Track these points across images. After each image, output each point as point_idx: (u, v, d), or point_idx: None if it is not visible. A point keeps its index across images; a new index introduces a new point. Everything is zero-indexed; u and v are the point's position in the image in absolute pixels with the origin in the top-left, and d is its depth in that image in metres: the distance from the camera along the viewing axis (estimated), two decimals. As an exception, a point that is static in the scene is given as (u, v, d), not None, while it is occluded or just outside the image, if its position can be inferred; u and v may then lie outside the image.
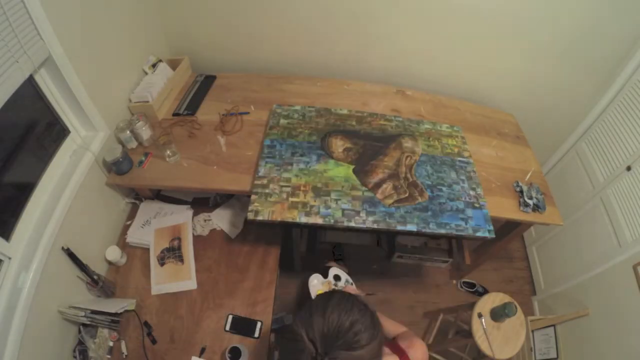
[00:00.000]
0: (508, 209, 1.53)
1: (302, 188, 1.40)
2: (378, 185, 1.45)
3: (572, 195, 2.04)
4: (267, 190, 1.38)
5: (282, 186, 1.39)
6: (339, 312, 0.72)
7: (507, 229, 1.75)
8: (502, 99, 2.02)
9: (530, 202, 1.52)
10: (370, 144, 1.60)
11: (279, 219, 1.30)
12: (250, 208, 1.32)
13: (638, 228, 1.57)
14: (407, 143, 1.63)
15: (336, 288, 1.23)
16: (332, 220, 1.31)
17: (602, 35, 1.64)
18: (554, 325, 1.87)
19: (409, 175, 1.49)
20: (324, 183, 1.42)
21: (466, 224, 1.38)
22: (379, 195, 1.41)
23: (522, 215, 1.52)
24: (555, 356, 1.81)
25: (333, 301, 0.75)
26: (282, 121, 1.64)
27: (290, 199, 1.36)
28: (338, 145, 1.57)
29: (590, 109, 1.96)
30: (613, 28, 1.61)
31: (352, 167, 1.50)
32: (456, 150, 1.64)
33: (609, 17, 1.57)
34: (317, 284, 1.28)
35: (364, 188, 1.43)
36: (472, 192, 1.48)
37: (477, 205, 1.44)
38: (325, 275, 1.31)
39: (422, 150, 1.61)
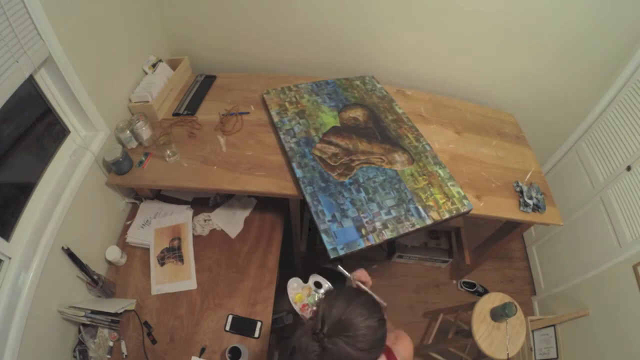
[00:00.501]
0: (508, 209, 1.53)
1: (297, 104, 1.71)
2: (330, 143, 1.56)
3: (572, 195, 2.04)
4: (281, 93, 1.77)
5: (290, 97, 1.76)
6: (361, 311, 0.75)
7: (507, 229, 1.75)
8: (502, 99, 2.01)
9: (530, 202, 1.52)
10: (374, 131, 1.63)
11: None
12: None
13: (638, 228, 1.57)
14: (399, 156, 1.52)
15: (318, 295, 1.15)
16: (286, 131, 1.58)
17: (602, 35, 1.64)
18: (554, 325, 1.87)
19: (355, 163, 1.48)
20: (312, 116, 1.66)
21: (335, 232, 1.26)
22: (317, 146, 1.53)
23: (522, 215, 1.52)
24: (555, 356, 1.81)
25: (362, 299, 0.79)
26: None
27: (287, 104, 1.72)
28: (353, 111, 1.71)
29: (590, 109, 1.96)
30: (613, 28, 1.61)
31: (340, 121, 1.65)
32: (430, 202, 1.38)
33: (609, 17, 1.57)
34: (296, 287, 1.16)
35: (320, 135, 1.57)
36: (375, 223, 1.30)
37: (364, 231, 1.28)
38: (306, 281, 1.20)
39: (400, 171, 1.47)
